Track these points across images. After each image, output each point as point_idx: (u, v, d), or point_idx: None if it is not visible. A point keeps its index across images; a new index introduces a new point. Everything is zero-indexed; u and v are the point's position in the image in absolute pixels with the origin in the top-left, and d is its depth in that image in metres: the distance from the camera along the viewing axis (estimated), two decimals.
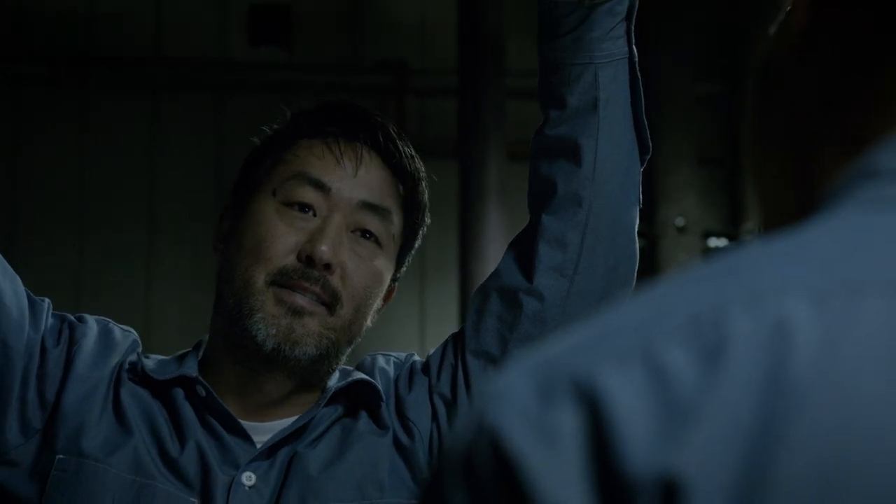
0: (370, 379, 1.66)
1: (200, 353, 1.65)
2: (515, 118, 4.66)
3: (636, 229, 1.68)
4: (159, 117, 4.78)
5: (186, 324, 5.04)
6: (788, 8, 0.76)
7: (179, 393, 1.60)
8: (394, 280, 1.68)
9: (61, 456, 1.55)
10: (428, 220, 1.71)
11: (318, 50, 4.94)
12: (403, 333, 5.18)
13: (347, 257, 1.59)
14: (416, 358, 1.74)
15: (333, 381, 1.65)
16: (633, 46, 1.64)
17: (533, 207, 1.68)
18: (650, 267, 4.92)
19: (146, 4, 4.84)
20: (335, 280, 1.57)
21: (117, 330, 1.66)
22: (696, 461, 0.60)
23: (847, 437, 0.60)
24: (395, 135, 1.68)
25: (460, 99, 4.47)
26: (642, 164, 1.67)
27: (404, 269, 1.70)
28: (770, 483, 0.59)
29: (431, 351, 1.72)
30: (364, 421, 1.65)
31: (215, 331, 1.64)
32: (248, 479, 1.57)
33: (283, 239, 1.57)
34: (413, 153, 1.70)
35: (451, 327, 4.36)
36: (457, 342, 1.68)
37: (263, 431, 1.60)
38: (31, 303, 1.59)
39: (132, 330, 1.69)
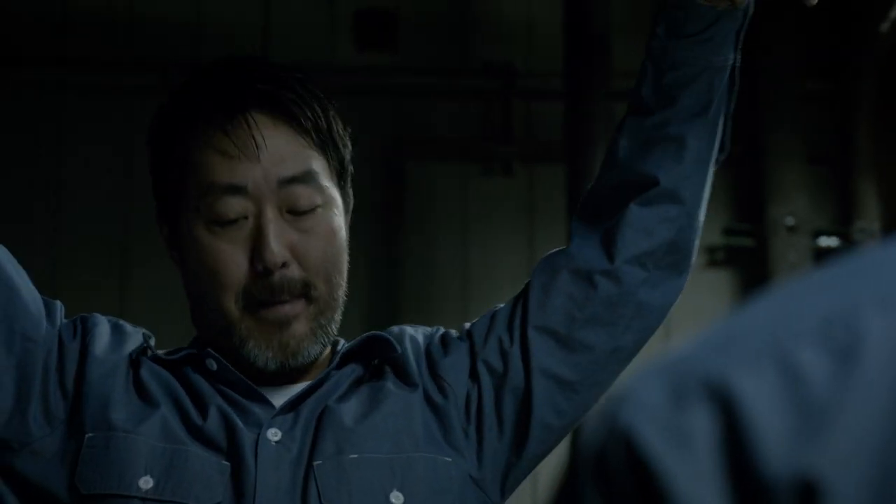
0: (380, 333, 1.68)
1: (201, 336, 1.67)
2: None
3: (701, 228, 1.70)
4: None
5: None
6: None
7: (192, 369, 1.62)
8: (347, 211, 1.67)
9: (90, 434, 1.57)
10: (349, 133, 1.69)
11: (424, 53, 4.95)
12: None
13: (296, 241, 1.58)
14: (444, 330, 1.73)
15: (342, 345, 1.66)
16: (739, 53, 1.67)
17: (615, 193, 1.69)
18: (760, 267, 4.87)
19: (254, 12, 4.89)
20: (295, 270, 1.58)
21: (128, 325, 1.69)
22: (833, 462, 0.59)
23: None
24: (278, 78, 1.63)
25: (567, 101, 4.46)
26: (717, 165, 1.69)
27: (350, 190, 1.68)
28: None
29: (469, 322, 1.72)
30: (391, 381, 1.65)
31: (208, 339, 1.65)
32: (274, 434, 1.58)
33: (231, 259, 1.57)
34: (303, 83, 1.64)
35: None
36: (512, 315, 1.68)
37: (280, 394, 1.62)
38: (45, 301, 1.62)
39: (141, 328, 1.71)
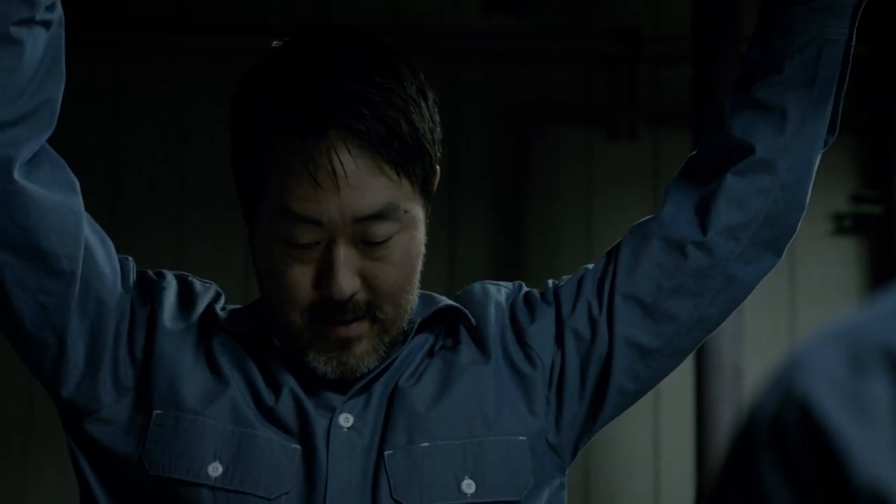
0: (453, 303, 1.65)
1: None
2: None
3: (806, 208, 1.66)
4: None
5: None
6: None
7: (262, 343, 1.61)
8: (426, 215, 1.60)
9: (158, 411, 1.57)
10: (438, 130, 1.59)
11: (550, 18, 4.94)
12: None
13: (367, 268, 1.54)
14: (527, 287, 1.71)
15: (414, 309, 1.62)
16: (855, 30, 1.63)
17: (714, 161, 1.67)
18: (888, 234, 4.80)
19: None
20: (363, 296, 1.54)
21: (197, 282, 1.67)
22: None
23: None
24: (369, 94, 1.51)
25: (694, 66, 4.42)
26: (826, 146, 1.67)
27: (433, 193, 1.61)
28: None
29: (554, 282, 1.70)
30: (465, 352, 1.64)
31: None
32: (346, 420, 1.57)
33: (300, 280, 1.53)
34: (391, 92, 1.52)
35: None
36: (602, 280, 1.67)
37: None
38: (121, 263, 1.60)
39: (212, 283, 1.69)
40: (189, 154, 4.77)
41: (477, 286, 1.72)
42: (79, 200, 1.54)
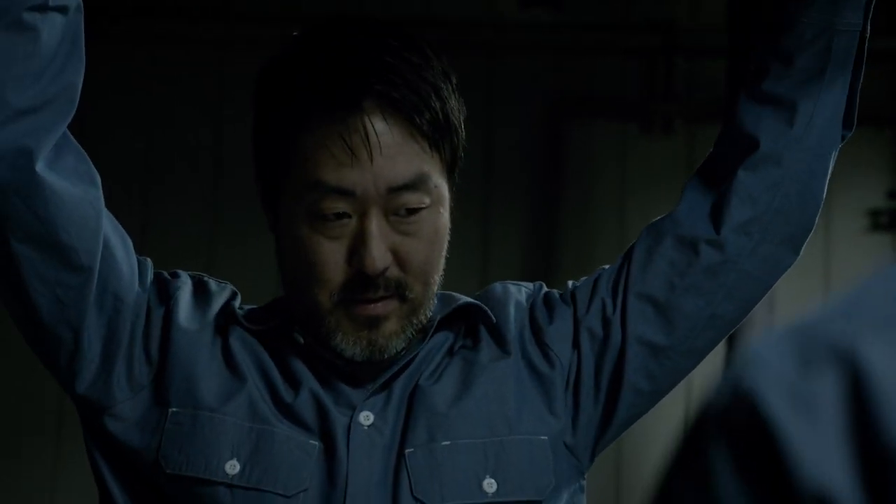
0: (472, 300, 1.65)
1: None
2: None
3: (822, 203, 1.64)
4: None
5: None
6: None
7: (281, 340, 1.60)
8: (452, 198, 1.60)
9: (174, 409, 1.56)
10: (464, 110, 1.60)
11: (586, 10, 4.93)
12: None
13: (398, 243, 1.53)
14: (547, 288, 1.71)
15: (434, 310, 1.62)
16: (869, 22, 1.61)
17: (726, 158, 1.66)
18: None
19: None
20: (394, 272, 1.54)
21: (212, 282, 1.67)
22: None
23: None
24: (395, 68, 1.52)
25: (730, 59, 4.40)
26: (842, 142, 1.65)
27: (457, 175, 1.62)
28: None
29: (573, 283, 1.69)
30: (485, 350, 1.63)
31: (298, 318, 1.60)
32: (367, 418, 1.56)
33: (330, 257, 1.52)
34: (420, 70, 1.53)
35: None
36: (617, 278, 1.66)
37: (372, 370, 1.59)
38: (139, 261, 1.61)
39: (228, 283, 1.68)
40: (226, 149, 4.78)
41: (497, 286, 1.72)
42: (99, 195, 1.54)
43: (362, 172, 1.50)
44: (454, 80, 1.60)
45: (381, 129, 1.50)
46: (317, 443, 1.55)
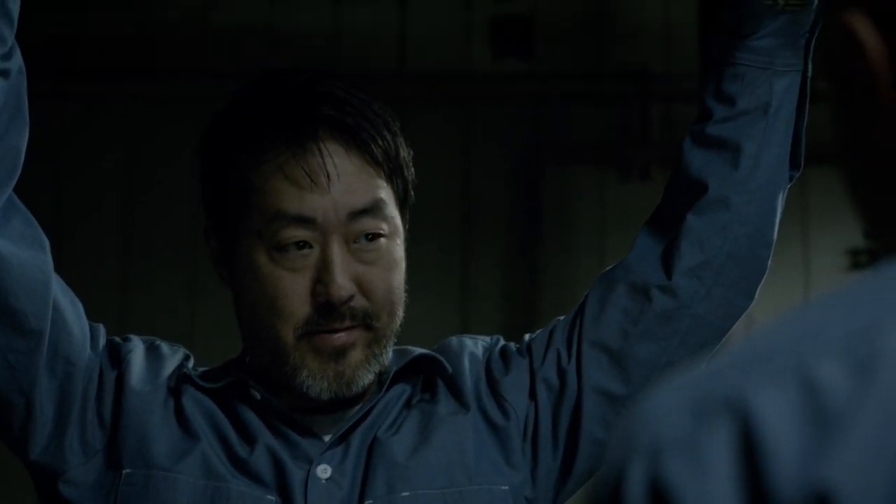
0: (428, 352, 1.63)
1: (249, 360, 1.62)
2: None
3: (773, 244, 1.63)
4: (402, 130, 4.86)
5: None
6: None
7: (236, 397, 1.58)
8: (406, 231, 1.61)
9: (128, 470, 1.54)
10: (411, 153, 1.62)
11: (560, 59, 4.95)
12: None
13: (361, 272, 1.53)
14: (504, 341, 1.69)
15: (388, 361, 1.61)
16: (810, 62, 1.62)
17: (675, 203, 1.66)
18: None
19: (391, 20, 4.92)
20: (360, 302, 1.53)
21: (164, 345, 1.65)
22: (846, 472, 0.59)
23: None
24: (345, 101, 1.55)
25: None
26: (790, 182, 1.65)
27: (408, 214, 1.63)
28: None
29: (529, 335, 1.68)
30: (443, 403, 1.62)
31: (258, 365, 1.60)
32: (324, 471, 1.55)
33: (293, 289, 1.52)
34: (370, 105, 1.57)
35: None
36: (571, 328, 1.65)
37: (328, 423, 1.58)
38: (90, 326, 1.59)
39: (180, 346, 1.67)
40: None
41: (454, 339, 1.71)
42: (47, 259, 1.52)
43: (321, 198, 1.51)
44: (399, 124, 1.61)
45: (337, 154, 1.52)
46: (274, 497, 1.53)
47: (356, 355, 1.54)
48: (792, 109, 1.62)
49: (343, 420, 1.59)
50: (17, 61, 1.48)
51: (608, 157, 4.92)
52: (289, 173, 1.52)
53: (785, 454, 0.60)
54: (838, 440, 0.59)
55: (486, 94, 4.93)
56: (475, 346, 1.69)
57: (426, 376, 1.64)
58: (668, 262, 1.63)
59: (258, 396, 1.57)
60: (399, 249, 1.58)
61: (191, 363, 1.64)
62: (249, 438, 1.56)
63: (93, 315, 1.62)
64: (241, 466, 1.55)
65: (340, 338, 1.53)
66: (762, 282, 1.66)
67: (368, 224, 1.53)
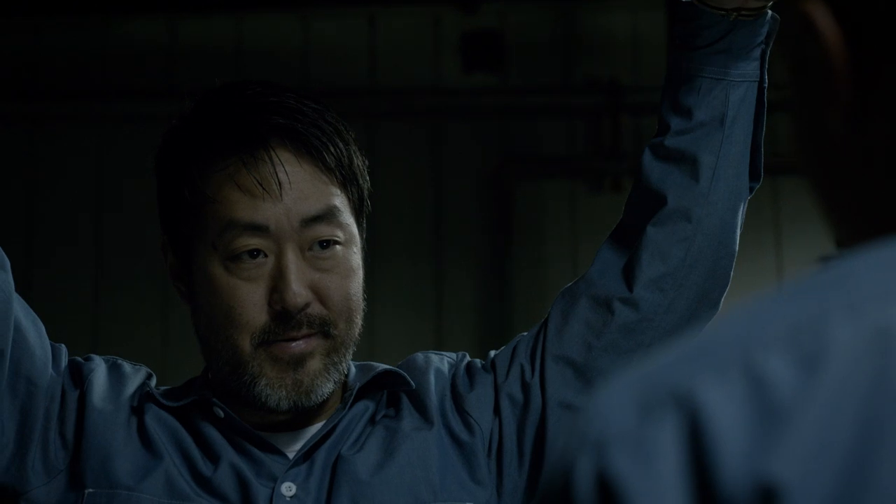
0: (391, 367, 1.63)
1: (211, 375, 1.61)
2: None
3: (736, 255, 1.63)
4: (374, 146, 4.87)
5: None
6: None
7: (200, 415, 1.57)
8: (362, 246, 1.61)
9: (91, 490, 1.53)
10: (367, 162, 1.62)
11: (530, 72, 4.96)
12: None
13: (317, 280, 1.52)
14: (470, 358, 1.69)
15: (352, 377, 1.61)
16: (766, 72, 1.61)
17: (636, 216, 1.65)
18: None
19: (361, 36, 4.92)
20: (316, 309, 1.52)
21: (126, 364, 1.65)
22: (793, 466, 0.59)
23: None
24: (298, 110, 1.55)
25: None
26: (751, 193, 1.65)
27: (364, 224, 1.62)
28: (871, 487, 0.58)
29: (494, 351, 1.68)
30: (407, 419, 1.61)
31: (218, 379, 1.59)
32: (289, 489, 1.54)
33: (249, 298, 1.51)
34: (322, 114, 1.56)
35: None
36: (535, 343, 1.64)
37: (292, 440, 1.58)
38: (52, 346, 1.58)
39: (142, 365, 1.66)
40: None
41: (419, 355, 1.70)
42: (8, 279, 1.51)
43: (274, 206, 1.50)
44: (353, 134, 1.60)
45: (288, 161, 1.51)
46: None
47: (314, 364, 1.53)
48: (749, 120, 1.62)
49: (307, 437, 1.58)
50: None
51: (578, 170, 4.93)
52: (240, 182, 1.51)
53: (731, 447, 0.60)
54: (785, 434, 0.60)
55: (456, 108, 4.93)
56: (441, 362, 1.68)
57: (390, 392, 1.64)
58: (629, 274, 1.63)
59: (221, 414, 1.56)
60: (356, 257, 1.57)
61: (153, 382, 1.63)
62: (213, 456, 1.56)
63: (65, 334, 1.61)
64: (205, 485, 1.54)
65: (299, 346, 1.52)
66: (727, 292, 1.66)
67: (323, 231, 1.52)
